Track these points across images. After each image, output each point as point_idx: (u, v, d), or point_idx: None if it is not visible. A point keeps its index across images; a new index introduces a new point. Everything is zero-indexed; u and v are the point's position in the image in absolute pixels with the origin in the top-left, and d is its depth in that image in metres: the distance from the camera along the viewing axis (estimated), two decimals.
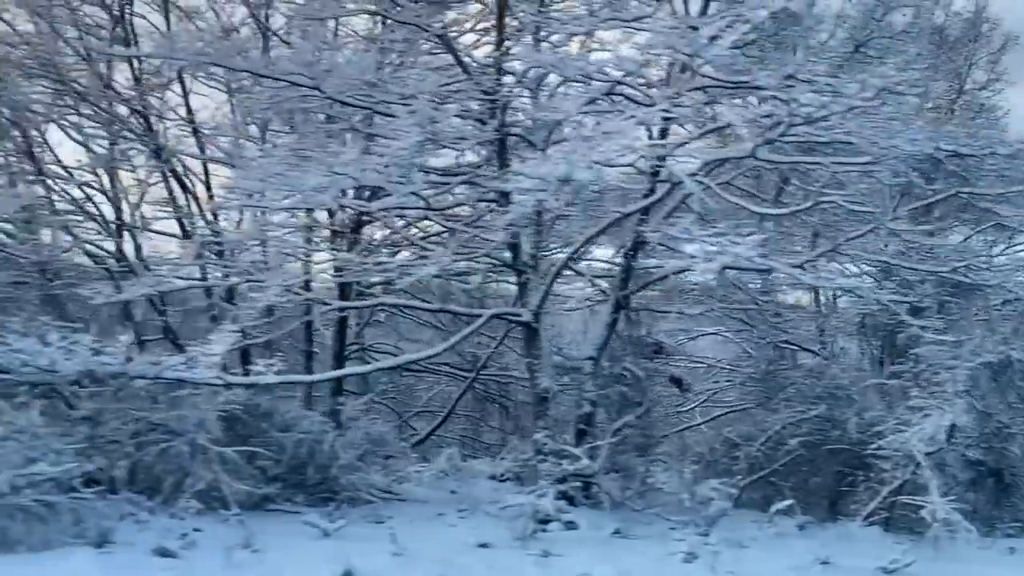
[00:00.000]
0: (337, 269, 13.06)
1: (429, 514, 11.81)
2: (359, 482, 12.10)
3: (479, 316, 12.50)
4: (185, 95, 15.08)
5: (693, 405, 17.87)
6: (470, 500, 12.90)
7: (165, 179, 14.88)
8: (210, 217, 14.49)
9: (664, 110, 9.31)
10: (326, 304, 13.35)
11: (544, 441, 12.08)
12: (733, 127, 9.60)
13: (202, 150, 14.82)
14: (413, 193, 10.43)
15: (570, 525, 10.99)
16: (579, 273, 13.88)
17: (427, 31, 11.92)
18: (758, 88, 9.23)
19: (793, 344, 17.86)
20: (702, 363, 19.61)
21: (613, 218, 10.95)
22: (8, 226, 13.50)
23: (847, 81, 9.06)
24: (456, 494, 13.71)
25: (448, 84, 12.05)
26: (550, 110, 10.23)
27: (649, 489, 12.70)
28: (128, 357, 10.54)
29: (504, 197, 11.81)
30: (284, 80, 10.93)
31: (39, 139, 14.38)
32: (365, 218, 14.07)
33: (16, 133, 13.88)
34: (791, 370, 16.17)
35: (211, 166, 14.97)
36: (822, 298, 18.50)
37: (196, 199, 15.14)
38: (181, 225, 14.80)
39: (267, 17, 14.01)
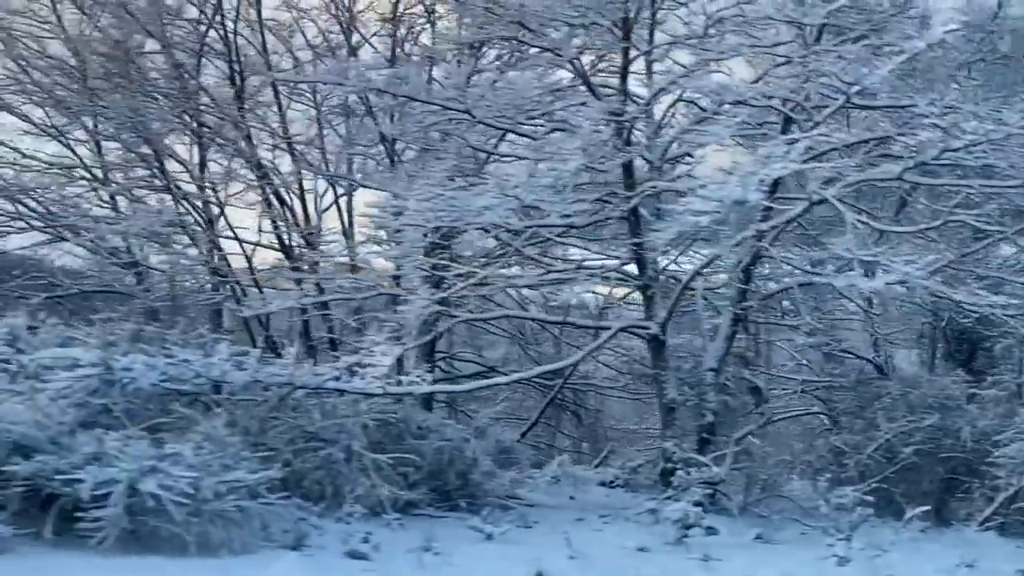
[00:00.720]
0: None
1: (569, 519, 12.25)
2: (497, 488, 12.57)
3: (606, 329, 12.95)
4: (281, 115, 15.77)
5: (782, 416, 18.23)
6: (595, 506, 13.39)
7: (265, 196, 15.50)
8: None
9: (824, 134, 9.77)
10: (453, 316, 13.80)
11: (673, 450, 12.56)
12: (883, 148, 10.04)
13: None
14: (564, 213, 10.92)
15: (710, 530, 11.42)
16: (690, 289, 14.30)
17: (560, 56, 12.41)
18: (918, 115, 9.71)
19: (849, 352, 18.33)
20: (778, 374, 20.08)
21: (749, 234, 11.42)
22: (144, 241, 14.02)
23: (1005, 110, 9.53)
24: (575, 500, 14.17)
25: (572, 104, 12.63)
26: (697, 134, 10.64)
27: (772, 495, 13.14)
28: (295, 367, 11.01)
29: (634, 215, 12.33)
30: (437, 104, 11.44)
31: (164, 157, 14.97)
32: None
33: (146, 150, 14.43)
34: (883, 380, 16.57)
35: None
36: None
37: (293, 215, 15.83)
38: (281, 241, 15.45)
39: (395, 39, 14.55)
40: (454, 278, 12.22)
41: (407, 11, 15.48)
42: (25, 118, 18.54)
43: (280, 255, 15.86)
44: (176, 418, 10.57)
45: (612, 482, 15.36)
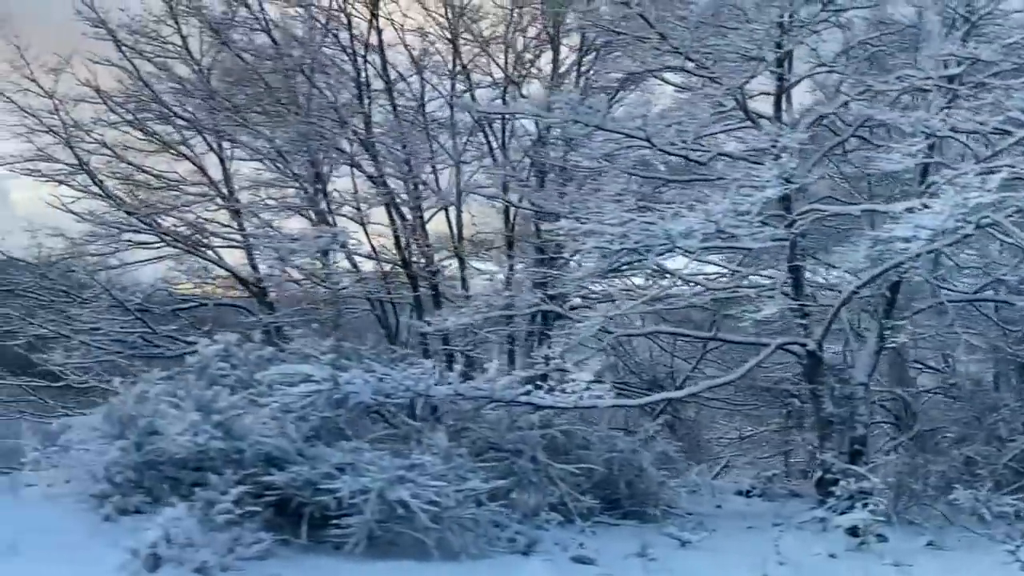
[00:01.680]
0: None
1: (737, 527, 12.83)
2: (664, 497, 13.18)
3: (765, 346, 13.53)
4: (429, 139, 16.49)
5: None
6: (747, 515, 13.97)
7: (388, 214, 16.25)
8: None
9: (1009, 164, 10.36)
10: (609, 332, 14.37)
11: (832, 461, 13.15)
12: None
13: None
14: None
15: (880, 538, 12.01)
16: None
17: (724, 86, 13.03)
18: None
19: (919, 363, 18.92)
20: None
21: (911, 254, 11.97)
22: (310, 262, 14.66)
23: None
24: (722, 508, 14.75)
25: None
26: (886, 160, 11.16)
27: (926, 504, 13.70)
28: (494, 381, 11.63)
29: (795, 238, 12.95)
30: (620, 133, 12.07)
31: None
32: None
33: (311, 172, 15.09)
34: (998, 392, 17.16)
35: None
36: None
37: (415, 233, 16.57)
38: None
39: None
40: (622, 296, 12.81)
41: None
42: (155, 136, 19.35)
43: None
44: (389, 431, 11.26)
45: (749, 491, 15.95)
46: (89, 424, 10.71)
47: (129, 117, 19.48)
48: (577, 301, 14.42)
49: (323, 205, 15.66)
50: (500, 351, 16.40)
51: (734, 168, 13.10)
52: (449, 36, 16.90)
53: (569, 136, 13.49)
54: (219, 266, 19.29)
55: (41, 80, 19.31)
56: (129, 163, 19.49)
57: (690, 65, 13.12)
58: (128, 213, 19.31)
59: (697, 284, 13.63)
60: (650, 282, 12.63)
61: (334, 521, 9.66)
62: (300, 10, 17.98)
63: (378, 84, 16.80)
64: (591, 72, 15.65)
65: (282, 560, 9.21)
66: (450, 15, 16.72)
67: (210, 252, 19.17)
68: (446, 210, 15.92)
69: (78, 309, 16.47)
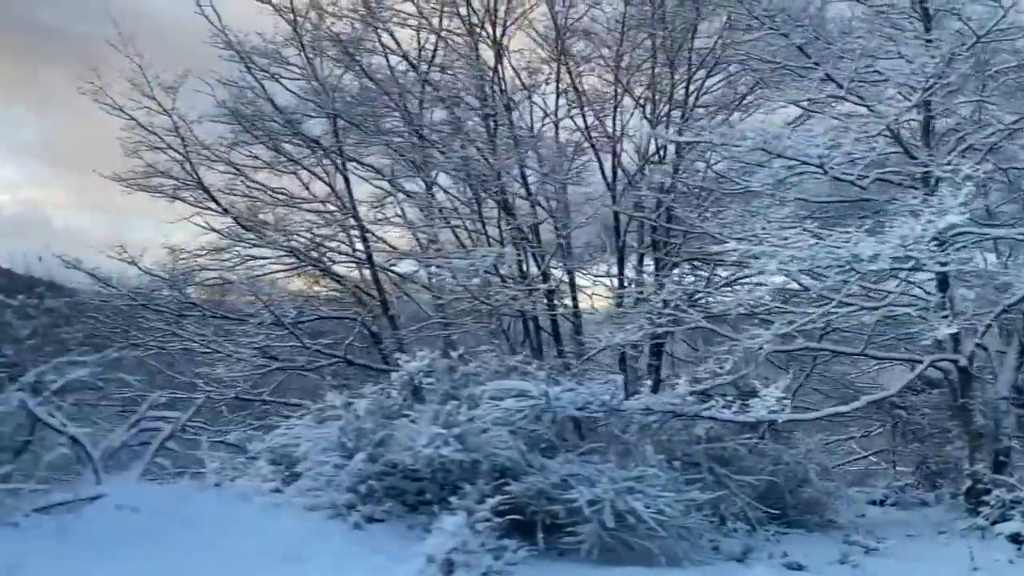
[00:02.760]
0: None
1: (900, 534, 13.41)
2: (830, 506, 13.82)
3: (919, 362, 14.16)
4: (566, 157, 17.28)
5: None
6: (891, 523, 14.58)
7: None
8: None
9: None
10: (787, 349, 14.93)
11: (984, 472, 13.81)
12: None
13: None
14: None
15: None
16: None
17: (881, 116, 13.69)
18: None
19: None
20: None
21: None
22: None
23: None
24: (865, 517, 15.34)
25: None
26: None
27: None
28: (684, 396, 12.27)
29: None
30: (796, 160, 12.72)
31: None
32: None
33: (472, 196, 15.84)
34: None
35: None
36: None
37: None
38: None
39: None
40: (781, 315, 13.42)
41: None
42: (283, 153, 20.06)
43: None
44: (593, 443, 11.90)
45: (883, 501, 16.58)
46: (320, 436, 11.33)
47: (248, 136, 20.38)
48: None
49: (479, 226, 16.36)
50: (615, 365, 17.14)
51: (890, 192, 13.78)
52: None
53: (741, 161, 14.10)
54: (336, 280, 20.05)
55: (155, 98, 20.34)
56: (252, 181, 20.32)
57: (851, 97, 13.75)
58: (245, 228, 20.05)
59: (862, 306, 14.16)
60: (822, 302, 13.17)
61: (568, 529, 10.30)
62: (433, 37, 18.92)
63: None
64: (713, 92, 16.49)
65: (529, 566, 9.78)
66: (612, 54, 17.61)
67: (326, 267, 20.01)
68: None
69: (230, 325, 17.08)
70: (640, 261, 17.49)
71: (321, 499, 10.53)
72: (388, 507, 10.52)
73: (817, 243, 11.97)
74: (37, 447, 10.17)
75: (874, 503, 16.58)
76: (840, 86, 13.62)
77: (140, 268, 18.25)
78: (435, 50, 19.17)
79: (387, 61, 19.83)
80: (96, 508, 9.73)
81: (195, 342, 16.90)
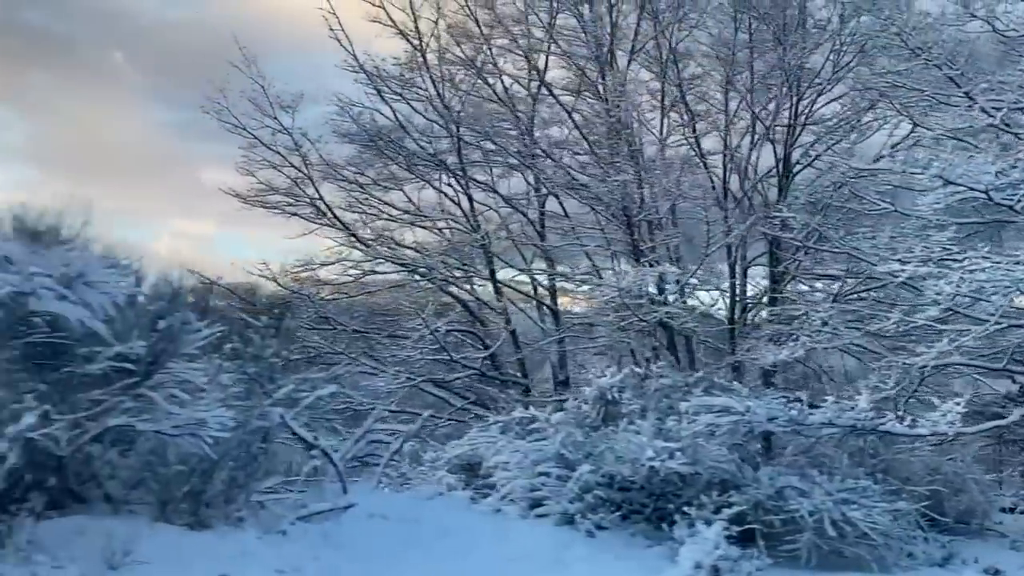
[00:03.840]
0: None
1: None
2: (986, 514, 14.48)
3: None
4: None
5: None
6: None
7: None
8: None
9: None
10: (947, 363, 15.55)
11: None
12: None
13: None
14: None
15: None
16: None
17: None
18: None
19: None
20: None
21: None
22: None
23: None
24: (1003, 524, 15.99)
25: None
26: None
27: None
28: (865, 410, 12.91)
29: None
30: (963, 185, 13.41)
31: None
32: None
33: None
34: None
35: None
36: None
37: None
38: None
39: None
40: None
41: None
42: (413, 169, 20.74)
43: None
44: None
45: (1012, 508, 17.25)
46: (530, 448, 11.99)
47: (370, 154, 21.08)
48: None
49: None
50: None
51: None
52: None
53: (908, 186, 14.81)
54: (456, 298, 20.70)
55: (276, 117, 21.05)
56: (375, 198, 20.99)
57: (1001, 126, 14.43)
58: (366, 244, 20.73)
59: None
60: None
61: (788, 538, 10.95)
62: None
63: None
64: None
65: (764, 574, 10.44)
66: None
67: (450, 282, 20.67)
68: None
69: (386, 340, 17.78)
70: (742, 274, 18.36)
71: (551, 507, 11.17)
72: (613, 516, 11.16)
73: (991, 264, 12.64)
74: (287, 458, 10.87)
75: (1004, 510, 17.20)
76: (990, 115, 14.29)
77: (280, 284, 18.95)
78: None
79: (501, 83, 20.63)
80: (350, 516, 10.36)
81: (350, 356, 17.58)
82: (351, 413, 14.60)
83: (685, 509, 10.56)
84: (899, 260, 13.84)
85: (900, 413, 13.15)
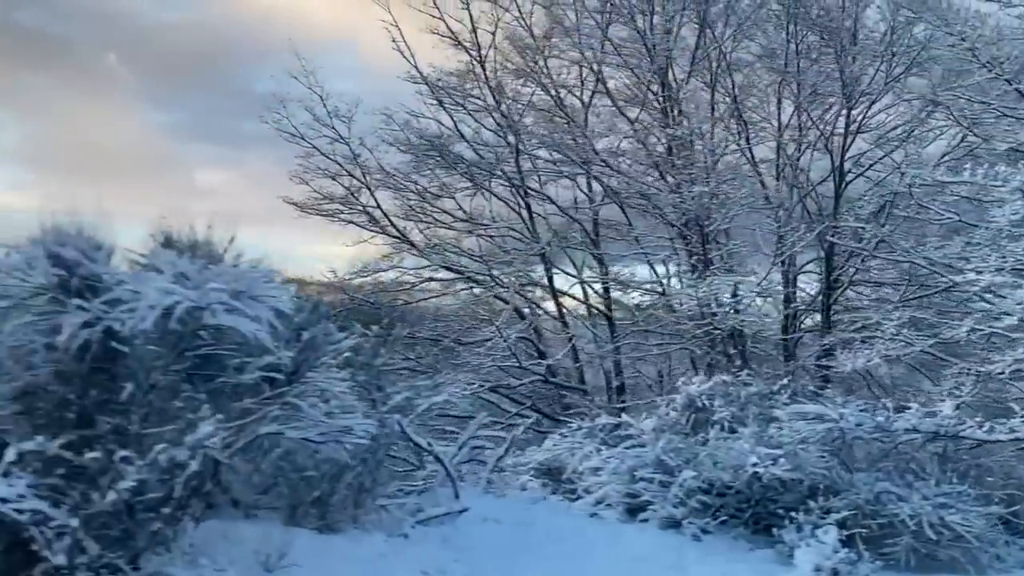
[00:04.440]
0: None
1: None
2: None
3: None
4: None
5: None
6: None
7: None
8: None
9: None
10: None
11: None
12: None
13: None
14: None
15: None
16: None
17: None
18: None
19: None
20: None
21: None
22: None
23: None
24: None
25: None
26: None
27: None
28: (951, 417, 13.22)
29: None
30: None
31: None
32: None
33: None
34: None
35: None
36: None
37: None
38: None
39: None
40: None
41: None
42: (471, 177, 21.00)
43: None
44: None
45: None
46: (627, 454, 12.30)
47: (427, 163, 21.41)
48: None
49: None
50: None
51: None
52: None
53: (976, 197, 15.17)
54: (510, 303, 21.01)
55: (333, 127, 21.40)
56: (433, 207, 21.33)
57: None
58: (423, 254, 21.06)
59: None
60: None
61: (888, 541, 11.24)
62: None
63: None
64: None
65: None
66: None
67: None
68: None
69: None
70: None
71: (654, 512, 11.48)
72: (714, 521, 11.47)
73: None
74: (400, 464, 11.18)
75: None
76: None
77: (347, 293, 19.28)
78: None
79: (556, 93, 20.96)
80: (464, 520, 10.66)
81: (426, 364, 17.92)
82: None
83: (792, 514, 10.84)
84: (974, 270, 14.20)
85: (979, 419, 13.48)
